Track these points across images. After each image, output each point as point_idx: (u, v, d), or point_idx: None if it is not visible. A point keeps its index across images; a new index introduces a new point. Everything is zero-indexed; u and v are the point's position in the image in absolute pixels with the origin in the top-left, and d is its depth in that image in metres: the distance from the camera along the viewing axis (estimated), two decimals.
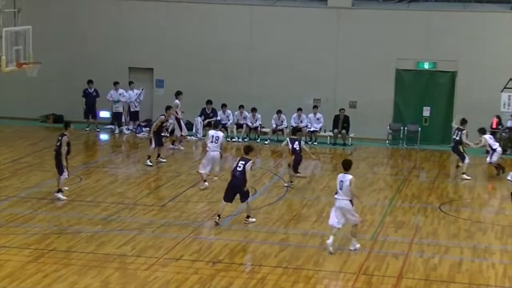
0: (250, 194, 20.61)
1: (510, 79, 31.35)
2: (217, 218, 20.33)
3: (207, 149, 24.08)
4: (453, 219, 21.86)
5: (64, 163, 22.14)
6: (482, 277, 17.36)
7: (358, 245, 18.70)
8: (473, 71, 31.59)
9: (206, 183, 23.98)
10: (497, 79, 31.31)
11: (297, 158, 24.53)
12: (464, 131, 27.18)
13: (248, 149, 20.57)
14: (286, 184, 24.70)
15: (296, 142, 24.54)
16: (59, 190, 22.24)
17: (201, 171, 24.04)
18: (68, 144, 22.18)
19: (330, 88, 32.71)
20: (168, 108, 27.98)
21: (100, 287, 16.07)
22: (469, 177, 26.56)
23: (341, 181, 18.43)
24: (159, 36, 33.64)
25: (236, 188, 20.23)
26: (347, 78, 32.60)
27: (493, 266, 18.08)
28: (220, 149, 24.17)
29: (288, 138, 25.11)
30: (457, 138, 27.22)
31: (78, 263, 17.32)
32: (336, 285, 16.68)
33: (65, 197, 22.23)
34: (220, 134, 24.21)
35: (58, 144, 22.16)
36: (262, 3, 33.43)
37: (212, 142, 23.99)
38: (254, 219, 20.56)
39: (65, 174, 22.25)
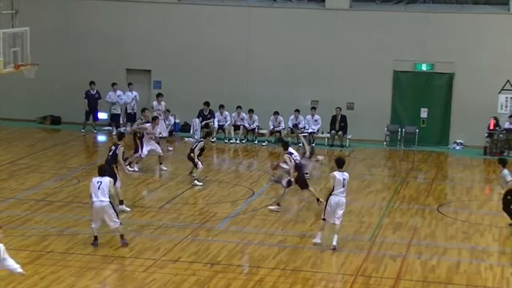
0: None
1: (508, 81, 31.37)
2: None
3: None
4: (451, 220, 21.86)
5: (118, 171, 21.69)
6: (480, 279, 17.37)
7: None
8: (470, 73, 31.60)
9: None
10: (495, 80, 31.34)
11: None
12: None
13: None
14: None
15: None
16: (121, 202, 21.46)
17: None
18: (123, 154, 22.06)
19: (328, 90, 32.71)
20: (143, 110, 27.76)
21: None
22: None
23: (344, 178, 18.98)
24: (157, 38, 33.63)
25: None
26: (344, 80, 32.60)
27: (491, 267, 18.09)
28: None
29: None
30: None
31: (75, 265, 17.30)
32: (333, 286, 16.66)
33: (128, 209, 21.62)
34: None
35: (111, 154, 21.65)
36: (260, 4, 33.45)
37: None
38: None
39: (118, 184, 21.39)
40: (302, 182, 22.24)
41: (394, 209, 22.89)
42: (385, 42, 32.13)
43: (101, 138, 32.79)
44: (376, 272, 17.49)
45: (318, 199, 22.05)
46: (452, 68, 31.89)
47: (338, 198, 18.89)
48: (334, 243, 18.88)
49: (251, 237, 19.63)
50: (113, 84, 32.93)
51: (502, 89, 31.43)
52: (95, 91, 33.02)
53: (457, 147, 31.92)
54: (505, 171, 21.34)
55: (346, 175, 19.07)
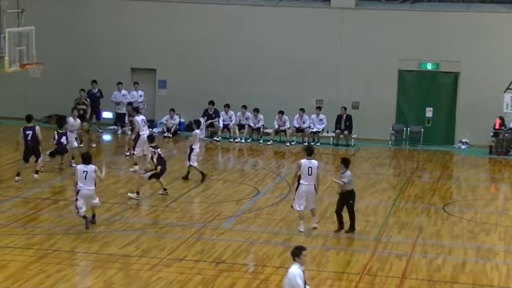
0: None
1: None
2: None
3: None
4: (457, 219, 21.84)
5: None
6: (486, 278, 17.35)
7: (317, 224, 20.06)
8: (476, 72, 31.55)
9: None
10: (500, 79, 31.21)
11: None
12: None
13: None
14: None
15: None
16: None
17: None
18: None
19: (333, 89, 32.68)
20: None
21: (103, 287, 16.07)
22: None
23: (310, 167, 19.48)
24: (162, 37, 33.64)
25: None
26: (350, 79, 32.58)
27: (496, 267, 18.07)
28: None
29: None
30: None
31: (81, 264, 17.36)
32: (339, 285, 16.65)
33: None
34: None
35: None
36: (265, 3, 33.43)
37: None
38: None
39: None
40: (162, 173, 22.89)
41: (399, 208, 22.87)
42: (390, 41, 32.09)
43: (107, 137, 32.81)
44: (382, 271, 17.47)
45: (165, 189, 23.00)
46: (458, 67, 31.85)
47: (306, 187, 19.55)
48: (314, 225, 19.97)
49: (256, 236, 19.62)
50: (119, 84, 32.93)
51: (508, 88, 31.32)
52: (96, 89, 32.93)
53: (463, 147, 31.89)
54: (348, 173, 19.69)
55: (314, 163, 19.63)
